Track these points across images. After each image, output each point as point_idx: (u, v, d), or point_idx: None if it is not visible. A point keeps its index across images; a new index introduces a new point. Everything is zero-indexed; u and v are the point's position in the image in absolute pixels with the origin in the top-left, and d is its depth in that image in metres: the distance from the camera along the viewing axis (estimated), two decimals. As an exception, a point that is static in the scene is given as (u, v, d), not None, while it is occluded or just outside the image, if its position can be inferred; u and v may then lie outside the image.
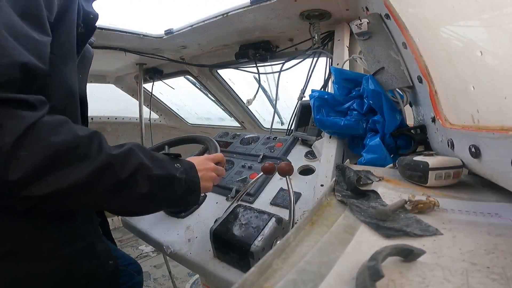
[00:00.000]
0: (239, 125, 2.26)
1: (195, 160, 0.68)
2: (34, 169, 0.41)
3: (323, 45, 1.16)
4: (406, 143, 0.75)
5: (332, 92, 0.88)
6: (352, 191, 0.50)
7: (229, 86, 1.92)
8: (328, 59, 1.21)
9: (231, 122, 2.35)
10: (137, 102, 2.06)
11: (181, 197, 0.62)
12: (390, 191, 0.51)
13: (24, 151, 0.40)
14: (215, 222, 0.76)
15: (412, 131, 0.74)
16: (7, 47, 0.40)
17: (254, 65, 1.43)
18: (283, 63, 1.34)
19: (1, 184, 0.40)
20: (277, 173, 0.79)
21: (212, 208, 0.95)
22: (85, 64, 0.65)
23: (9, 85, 0.40)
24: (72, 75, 0.59)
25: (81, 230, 0.61)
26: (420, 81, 0.65)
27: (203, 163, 0.68)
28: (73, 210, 0.56)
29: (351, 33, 1.03)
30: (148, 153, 0.56)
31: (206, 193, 1.02)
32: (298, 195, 0.86)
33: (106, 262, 0.65)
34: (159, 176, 0.55)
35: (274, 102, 1.75)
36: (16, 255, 0.51)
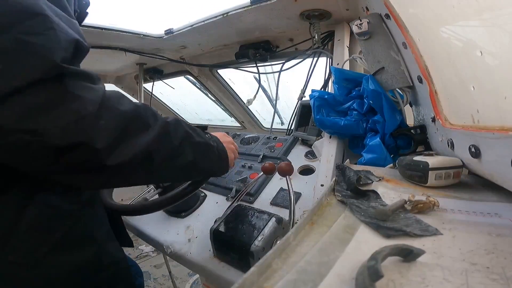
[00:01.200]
0: (239, 125, 2.26)
1: (217, 134, 0.71)
2: (114, 137, 0.42)
3: (323, 45, 1.16)
4: (406, 143, 0.75)
5: (332, 92, 0.88)
6: (352, 191, 0.50)
7: (229, 86, 1.92)
8: (328, 59, 1.20)
9: (231, 122, 2.35)
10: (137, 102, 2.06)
11: (215, 164, 0.65)
12: (390, 191, 0.51)
13: (102, 120, 0.41)
14: (215, 222, 0.76)
15: (412, 131, 0.74)
16: (60, 24, 0.41)
17: (254, 65, 1.43)
18: (283, 63, 1.34)
19: (90, 152, 0.41)
20: (277, 173, 0.79)
21: (212, 208, 0.95)
22: None
23: (68, 61, 0.41)
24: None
25: (103, 215, 0.63)
26: (420, 81, 0.65)
27: (223, 136, 0.72)
28: (129, 184, 0.56)
29: (351, 33, 1.03)
30: (186, 124, 0.59)
31: (206, 194, 1.02)
32: (298, 195, 0.86)
33: (117, 243, 0.67)
34: (200, 143, 0.59)
35: (274, 102, 1.75)
36: (61, 246, 0.51)
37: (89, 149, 0.40)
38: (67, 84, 0.39)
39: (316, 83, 1.29)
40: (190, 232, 0.87)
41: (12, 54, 0.36)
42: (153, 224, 0.97)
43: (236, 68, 1.58)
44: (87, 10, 0.64)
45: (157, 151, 0.49)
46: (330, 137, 0.88)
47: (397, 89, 0.77)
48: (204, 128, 0.68)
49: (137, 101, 0.52)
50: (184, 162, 0.55)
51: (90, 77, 0.43)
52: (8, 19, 0.37)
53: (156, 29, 1.35)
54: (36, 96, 0.37)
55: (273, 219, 0.70)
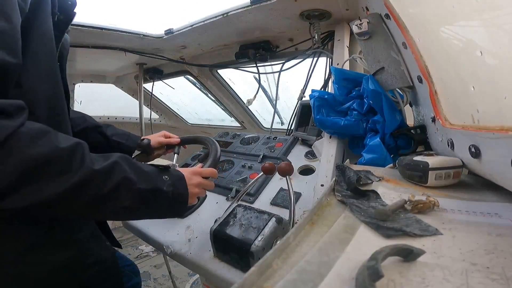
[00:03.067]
0: (239, 125, 2.26)
1: (185, 171, 0.68)
2: (9, 182, 0.39)
3: (323, 45, 1.16)
4: (406, 143, 0.75)
5: (332, 92, 0.88)
6: (352, 191, 0.50)
7: (229, 86, 1.92)
8: (328, 59, 1.21)
9: (231, 122, 2.35)
10: (137, 102, 2.06)
11: (167, 209, 0.62)
12: (390, 191, 0.51)
13: (0, 164, 0.39)
14: (215, 222, 0.76)
15: (412, 131, 0.74)
16: None
17: (254, 65, 1.43)
18: (283, 63, 1.34)
19: None
20: (277, 173, 0.79)
21: (212, 208, 0.95)
22: (62, 52, 0.64)
23: None
24: (53, 66, 0.57)
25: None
26: (420, 81, 0.65)
27: (192, 176, 0.68)
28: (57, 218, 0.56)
29: (351, 33, 1.03)
30: (134, 166, 0.56)
31: (206, 194, 1.02)
32: (298, 195, 0.86)
33: (105, 243, 0.67)
34: (144, 189, 0.55)
35: (274, 102, 1.75)
36: (39, 246, 0.52)
37: None
38: None
39: (316, 83, 1.30)
40: (190, 232, 0.87)
41: None
42: (153, 224, 0.97)
43: (236, 68, 1.58)
44: (74, 10, 0.62)
45: (74, 198, 0.46)
46: (330, 137, 0.88)
47: (397, 89, 0.77)
48: (166, 168, 0.63)
49: (74, 140, 0.47)
50: (118, 207, 0.52)
51: (2, 111, 0.39)
52: None
53: (156, 29, 1.35)
54: None
55: (273, 219, 0.70)
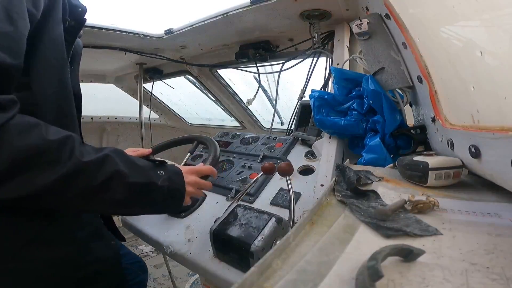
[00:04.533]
0: (239, 125, 2.26)
1: (182, 169, 0.67)
2: (1, 172, 0.41)
3: (323, 45, 1.16)
4: (406, 143, 0.75)
5: (332, 92, 0.88)
6: (352, 191, 0.50)
7: (229, 86, 1.92)
8: (328, 59, 1.20)
9: (231, 122, 2.35)
10: (137, 102, 2.06)
11: (161, 204, 0.62)
12: (390, 191, 0.51)
13: None
14: (215, 222, 0.76)
15: (412, 131, 0.74)
16: None
17: (254, 65, 1.43)
18: (283, 63, 1.34)
19: None
20: (277, 173, 0.79)
21: (212, 208, 0.95)
22: (75, 56, 0.66)
23: None
24: (63, 70, 0.59)
25: (89, 216, 0.63)
26: (420, 81, 0.65)
27: (189, 174, 0.68)
28: (51, 210, 0.57)
29: (351, 33, 1.03)
30: (127, 160, 0.56)
31: (206, 193, 1.02)
32: (298, 195, 0.86)
33: (109, 243, 0.68)
34: (136, 183, 0.55)
35: (274, 102, 1.75)
36: (36, 242, 0.53)
37: None
38: None
39: (316, 83, 1.30)
40: (190, 232, 0.87)
41: None
42: (153, 224, 0.97)
43: (236, 68, 1.58)
44: (85, 17, 0.64)
45: (64, 189, 0.47)
46: (330, 137, 0.88)
47: (397, 89, 0.77)
48: (162, 162, 0.63)
49: (64, 133, 0.48)
50: (111, 200, 0.52)
51: None
52: None
53: (156, 29, 1.35)
54: None
55: (273, 219, 0.70)
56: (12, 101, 0.43)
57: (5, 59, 0.42)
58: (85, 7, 0.65)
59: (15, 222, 0.52)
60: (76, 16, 0.62)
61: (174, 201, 0.63)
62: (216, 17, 1.12)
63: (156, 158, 0.64)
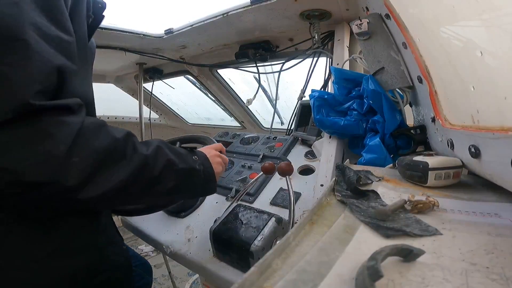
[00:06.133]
0: (239, 125, 2.26)
1: (205, 151, 0.71)
2: (86, 173, 0.42)
3: (323, 45, 1.16)
4: (406, 143, 0.75)
5: (332, 92, 0.88)
6: (352, 191, 0.50)
7: (229, 86, 1.92)
8: (328, 59, 1.20)
9: (231, 122, 2.35)
10: (137, 101, 2.06)
11: (201, 187, 0.65)
12: (390, 191, 0.51)
13: (76, 157, 0.41)
14: (215, 222, 0.76)
15: (412, 131, 0.74)
16: (42, 51, 0.39)
17: (254, 65, 1.43)
18: (283, 63, 1.34)
19: (60, 190, 0.41)
20: (277, 173, 0.79)
21: (212, 208, 0.95)
22: (88, 57, 0.65)
23: (49, 91, 0.40)
24: (89, 70, 0.60)
25: (104, 223, 0.64)
26: (420, 81, 0.65)
27: (210, 151, 0.72)
28: (108, 208, 0.59)
29: (351, 33, 1.03)
30: (172, 149, 0.59)
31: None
32: (298, 195, 0.86)
33: (121, 247, 0.68)
34: (183, 169, 0.59)
35: (274, 102, 1.75)
36: (57, 252, 0.52)
37: (59, 186, 0.40)
38: (39, 121, 0.38)
39: (316, 83, 1.29)
40: (190, 232, 0.87)
41: None
42: (153, 224, 0.97)
43: (236, 68, 1.58)
44: (103, 13, 0.63)
45: (133, 183, 0.49)
46: (330, 137, 0.88)
47: (397, 89, 0.77)
48: (192, 149, 0.67)
49: (124, 131, 0.50)
50: (165, 189, 0.55)
51: (68, 108, 0.42)
52: None
53: (156, 29, 1.35)
54: (5, 135, 0.37)
55: (273, 219, 0.70)
56: (79, 103, 0.44)
57: (67, 63, 0.43)
58: (105, 3, 0.62)
59: (36, 234, 0.50)
60: (96, 12, 0.60)
61: (209, 183, 0.67)
62: (216, 17, 1.12)
63: (186, 145, 0.68)
